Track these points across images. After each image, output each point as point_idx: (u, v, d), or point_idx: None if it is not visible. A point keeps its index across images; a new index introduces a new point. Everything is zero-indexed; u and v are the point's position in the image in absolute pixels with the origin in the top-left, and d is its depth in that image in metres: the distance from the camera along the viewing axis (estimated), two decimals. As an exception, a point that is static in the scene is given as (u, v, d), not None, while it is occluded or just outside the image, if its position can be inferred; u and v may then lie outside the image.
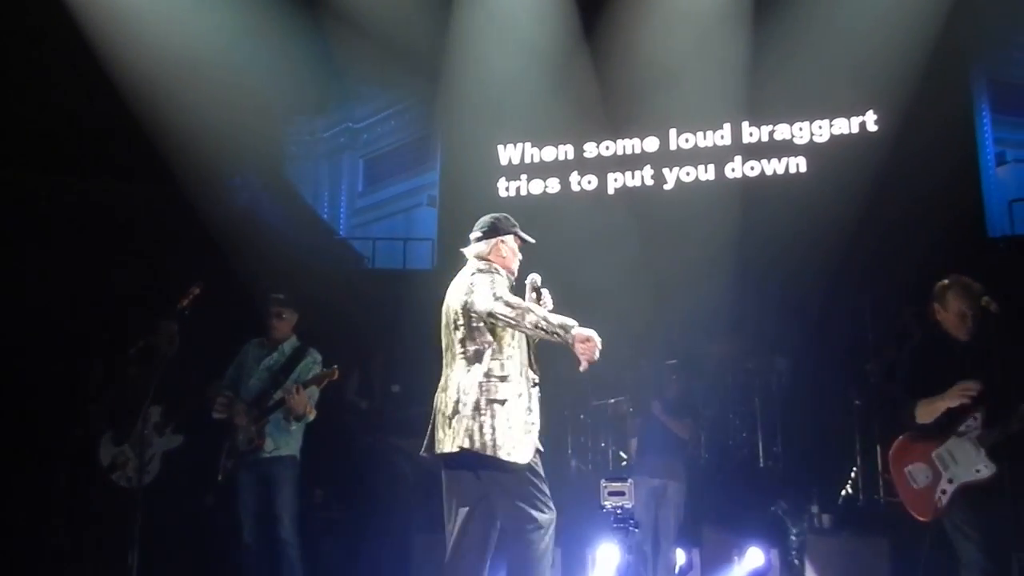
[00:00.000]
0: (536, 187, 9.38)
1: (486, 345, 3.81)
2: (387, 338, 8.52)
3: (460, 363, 3.84)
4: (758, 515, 6.75)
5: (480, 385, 3.74)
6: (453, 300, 4.01)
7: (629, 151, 9.26)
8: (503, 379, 3.77)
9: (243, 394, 5.62)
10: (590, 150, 9.34)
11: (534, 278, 4.17)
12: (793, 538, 6.94)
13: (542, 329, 3.62)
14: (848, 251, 7.85)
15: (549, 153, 9.42)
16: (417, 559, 6.68)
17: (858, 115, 8.71)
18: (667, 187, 9.10)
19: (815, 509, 6.77)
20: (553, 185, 9.37)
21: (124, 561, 4.75)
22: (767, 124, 8.94)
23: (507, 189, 9.44)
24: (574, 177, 9.35)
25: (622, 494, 3.31)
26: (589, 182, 9.30)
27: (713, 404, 7.73)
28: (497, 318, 3.72)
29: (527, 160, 9.44)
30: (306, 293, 6.37)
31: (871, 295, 7.46)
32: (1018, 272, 7.44)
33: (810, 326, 7.64)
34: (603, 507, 3.30)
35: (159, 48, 8.26)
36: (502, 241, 4.14)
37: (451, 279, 8.45)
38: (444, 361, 3.98)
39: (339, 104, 12.34)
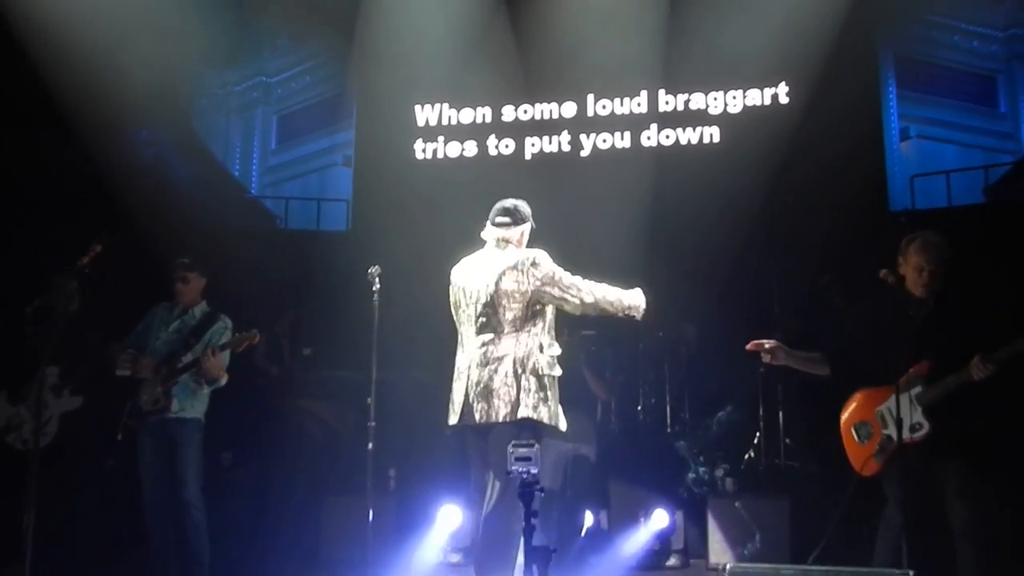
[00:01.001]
0: (453, 150, 9.29)
1: (541, 323, 4.21)
2: (298, 300, 8.39)
3: (509, 340, 4.15)
4: (665, 478, 6.91)
5: (540, 361, 4.12)
6: (489, 280, 4.22)
7: (547, 116, 9.22)
8: (557, 356, 4.22)
9: (149, 356, 5.54)
10: (508, 114, 9.27)
11: None
12: (691, 475, 7.16)
13: (622, 309, 4.34)
14: (756, 221, 8.00)
15: (467, 115, 9.31)
16: (325, 521, 6.67)
17: (771, 86, 8.82)
18: (584, 153, 9.11)
19: (720, 473, 6.95)
20: (470, 148, 9.29)
21: (19, 525, 4.60)
22: (683, 93, 8.99)
23: (424, 151, 9.33)
24: (491, 141, 9.27)
25: (528, 459, 3.35)
26: (507, 146, 9.25)
27: (624, 371, 7.84)
28: (602, 308, 4.26)
29: (444, 122, 9.33)
30: (215, 253, 6.23)
31: (777, 265, 7.63)
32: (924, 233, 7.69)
33: (718, 294, 7.78)
34: (509, 471, 3.33)
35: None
36: (526, 227, 4.46)
37: (365, 240, 8.48)
38: (468, 337, 4.26)
39: (252, 56, 12.03)
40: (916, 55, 10.88)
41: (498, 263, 4.26)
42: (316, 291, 8.46)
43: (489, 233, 4.40)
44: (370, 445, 4.94)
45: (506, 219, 4.39)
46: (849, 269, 7.23)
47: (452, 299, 4.42)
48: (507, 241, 4.35)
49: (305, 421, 7.72)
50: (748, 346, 4.65)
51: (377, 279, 4.99)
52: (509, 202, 4.47)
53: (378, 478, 5.87)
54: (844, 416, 4.70)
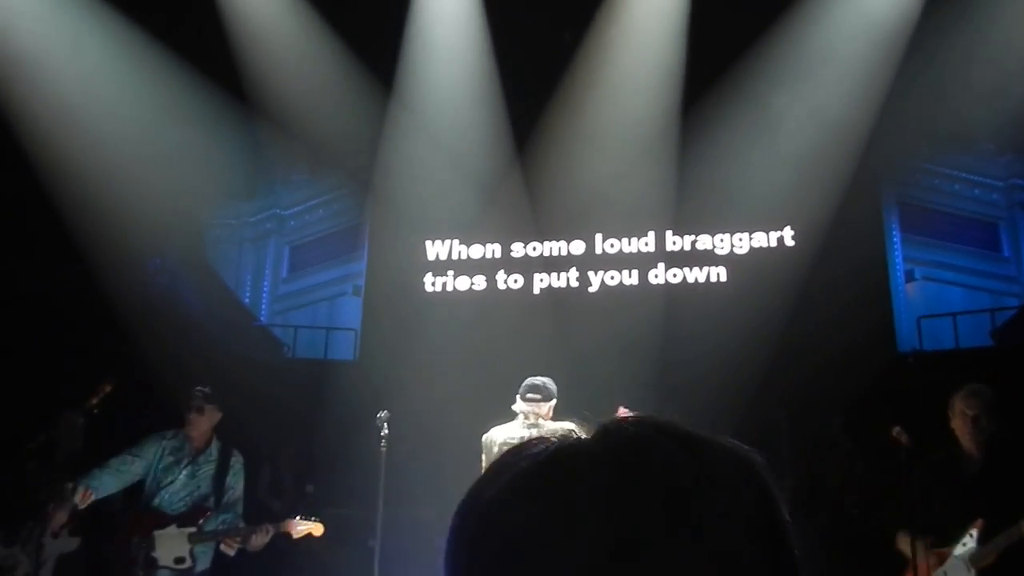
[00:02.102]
0: (462, 283, 9.40)
1: None
2: (304, 432, 8.31)
3: None
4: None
5: None
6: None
7: (556, 253, 9.36)
8: None
9: (159, 500, 5.18)
10: (517, 250, 9.42)
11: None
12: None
13: None
14: (765, 362, 7.99)
15: (476, 251, 9.47)
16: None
17: (776, 230, 8.97)
18: (591, 289, 9.20)
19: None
20: (479, 282, 9.40)
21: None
22: (690, 234, 9.15)
23: (433, 284, 9.43)
24: (500, 275, 9.39)
25: None
26: (515, 281, 9.35)
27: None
28: None
29: (454, 256, 9.48)
30: (221, 381, 6.18)
31: (787, 408, 7.57)
32: (926, 386, 7.67)
33: (727, 436, 7.68)
34: None
35: (83, 126, 8.15)
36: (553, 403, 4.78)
37: (372, 371, 8.46)
38: None
39: (268, 190, 12.29)
40: (919, 201, 11.13)
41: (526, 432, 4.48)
42: (322, 423, 8.39)
43: (520, 407, 4.68)
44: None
45: (536, 396, 4.70)
46: (860, 410, 7.19)
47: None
48: (538, 415, 4.62)
49: (305, 563, 7.49)
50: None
51: (386, 424, 4.93)
52: (539, 380, 4.76)
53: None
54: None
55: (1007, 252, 11.86)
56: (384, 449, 4.91)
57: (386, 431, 4.93)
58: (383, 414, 4.97)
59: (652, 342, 8.30)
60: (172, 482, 5.22)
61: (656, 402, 7.50)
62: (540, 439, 0.68)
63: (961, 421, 4.38)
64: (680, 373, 7.99)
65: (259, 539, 5.09)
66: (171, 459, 5.28)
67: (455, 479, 4.49)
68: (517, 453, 0.67)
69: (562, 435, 0.67)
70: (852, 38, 8.66)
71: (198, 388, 5.43)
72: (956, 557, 4.23)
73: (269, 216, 12.63)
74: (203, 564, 5.17)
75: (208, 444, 5.39)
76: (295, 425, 8.31)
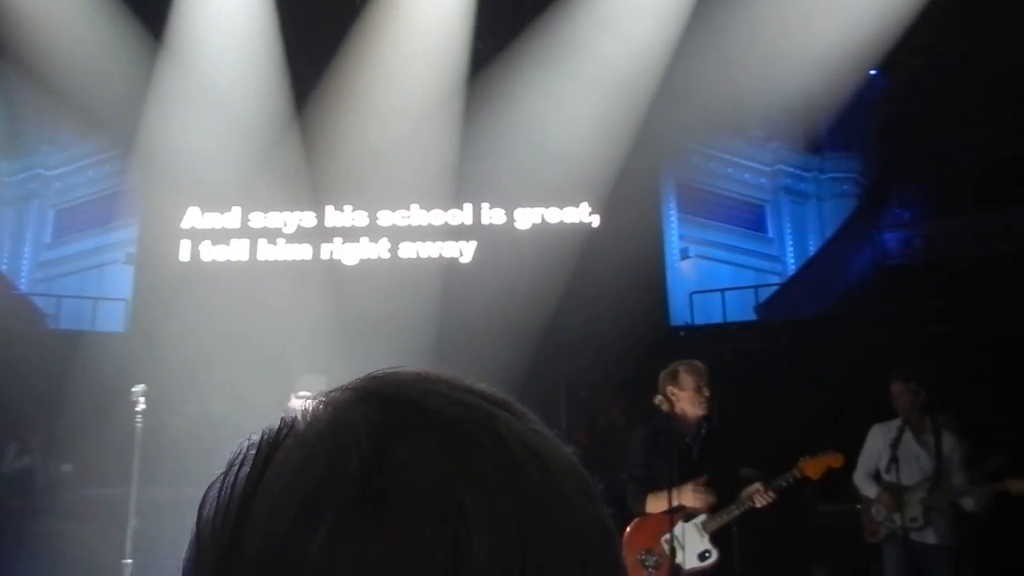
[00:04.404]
0: (237, 253, 9.06)
1: None
2: (62, 408, 7.73)
3: None
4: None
5: None
6: None
7: (335, 223, 9.17)
8: None
9: None
10: (295, 219, 9.14)
11: None
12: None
13: None
14: (544, 335, 8.18)
15: (253, 219, 9.13)
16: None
17: (561, 206, 9.17)
18: (371, 259, 9.08)
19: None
20: (255, 251, 9.08)
21: None
22: (471, 206, 9.19)
23: (205, 253, 9.04)
24: (279, 245, 9.10)
25: None
26: (295, 250, 9.10)
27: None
28: None
29: (228, 225, 9.10)
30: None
31: (564, 379, 7.79)
32: (695, 358, 8.11)
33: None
34: None
35: None
36: None
37: (143, 343, 8.01)
38: None
39: (30, 149, 11.35)
40: (696, 183, 11.74)
41: None
42: (85, 397, 7.84)
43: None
44: (125, 578, 4.50)
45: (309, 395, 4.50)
46: (632, 382, 7.49)
47: None
48: None
49: (63, 547, 7.00)
50: None
51: (142, 399, 4.61)
52: (314, 376, 4.55)
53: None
54: (627, 545, 4.69)
55: (771, 233, 12.75)
56: (140, 425, 4.60)
57: (142, 406, 4.61)
58: (139, 388, 4.65)
59: (430, 314, 8.30)
60: None
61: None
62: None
63: (694, 392, 4.59)
64: (457, 346, 8.01)
65: None
66: None
67: (221, 456, 4.30)
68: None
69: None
70: (636, 11, 8.95)
71: None
72: (688, 522, 4.47)
73: (31, 176, 11.67)
74: None
75: None
76: (53, 400, 7.72)
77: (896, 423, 5.31)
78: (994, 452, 5.63)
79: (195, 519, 0.49)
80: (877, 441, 5.41)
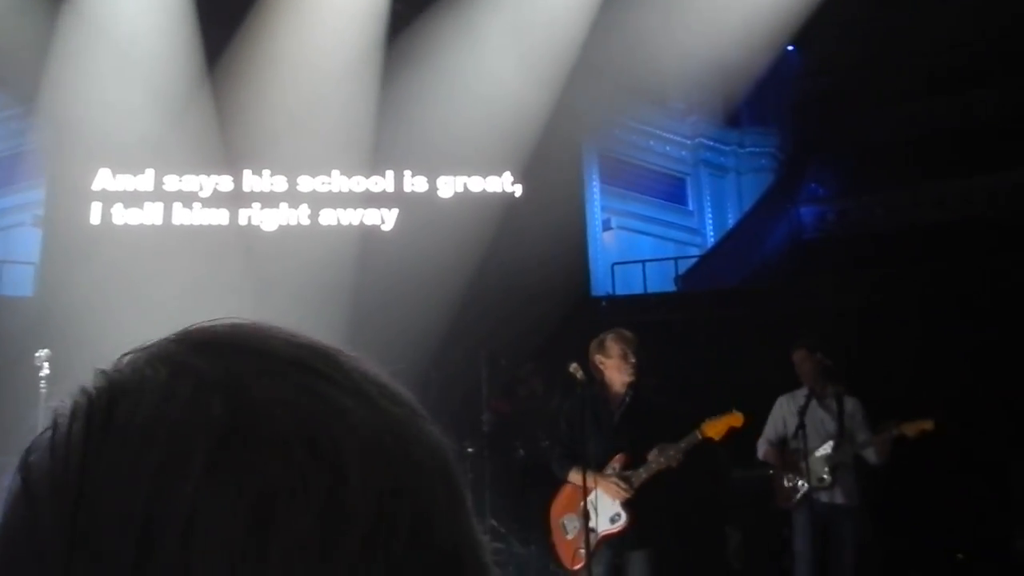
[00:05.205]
0: (147, 215, 8.80)
1: None
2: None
3: None
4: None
5: None
6: None
7: (248, 187, 8.95)
8: None
9: None
10: (209, 181, 8.88)
11: None
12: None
13: None
14: (467, 303, 8.16)
15: (164, 181, 8.84)
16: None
17: (482, 175, 9.12)
18: (285, 225, 8.91)
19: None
20: (167, 214, 8.83)
21: None
22: (388, 172, 9.07)
23: (114, 215, 8.75)
24: (191, 207, 8.87)
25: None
26: (206, 214, 8.88)
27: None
28: None
29: (138, 187, 8.81)
30: None
31: (485, 348, 7.77)
32: (616, 328, 8.20)
33: (423, 377, 7.78)
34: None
35: None
36: None
37: (50, 308, 7.74)
38: None
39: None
40: (618, 154, 11.81)
41: None
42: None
43: None
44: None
45: None
46: (552, 352, 7.52)
47: None
48: None
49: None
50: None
51: (46, 364, 4.47)
52: None
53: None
54: (553, 510, 4.78)
55: (691, 206, 12.93)
56: (44, 391, 4.46)
57: (46, 371, 4.47)
58: (42, 353, 4.51)
59: (350, 282, 8.21)
60: None
61: (348, 341, 7.39)
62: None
63: (620, 359, 4.65)
64: (376, 314, 7.93)
65: None
66: None
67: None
68: None
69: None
70: None
71: None
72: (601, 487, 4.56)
73: (-72, 132, 11.14)
74: None
75: None
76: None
77: (802, 392, 5.49)
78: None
79: (17, 477, 0.45)
80: (782, 410, 5.60)
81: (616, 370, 4.67)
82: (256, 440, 0.43)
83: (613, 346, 4.69)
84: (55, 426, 0.46)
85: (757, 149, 13.32)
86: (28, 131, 9.74)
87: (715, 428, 4.54)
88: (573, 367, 4.55)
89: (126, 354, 0.49)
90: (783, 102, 13.02)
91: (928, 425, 5.10)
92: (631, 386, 4.66)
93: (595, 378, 4.69)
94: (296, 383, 0.46)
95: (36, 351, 4.73)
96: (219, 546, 0.41)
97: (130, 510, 0.41)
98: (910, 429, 5.14)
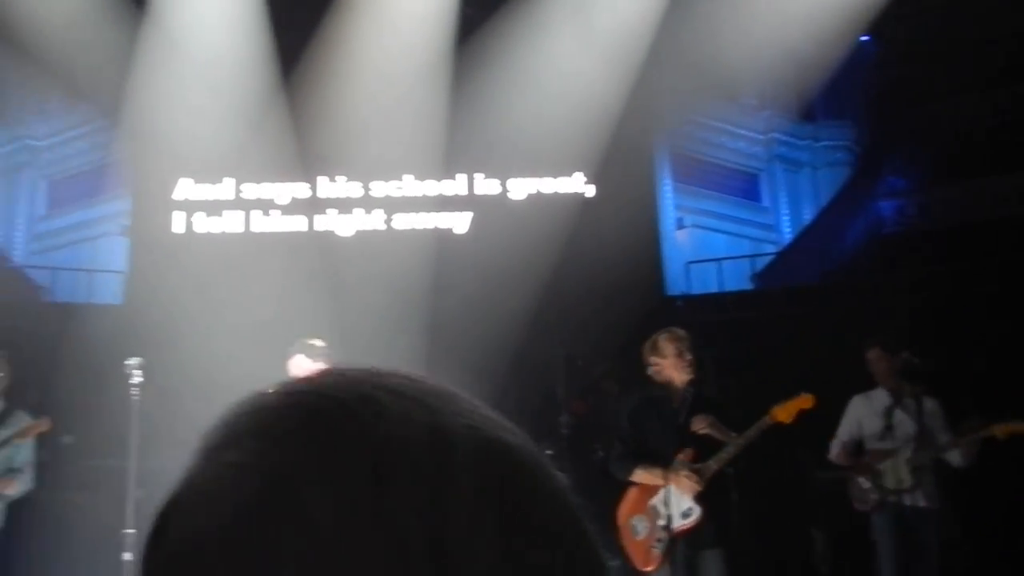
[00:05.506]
0: (229, 224, 9.01)
1: None
2: (62, 380, 7.73)
3: None
4: None
5: None
6: None
7: (325, 194, 9.10)
8: None
9: None
10: (286, 189, 9.06)
11: None
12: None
13: None
14: (541, 305, 8.18)
15: (244, 190, 9.05)
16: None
17: (554, 176, 9.12)
18: (363, 231, 9.03)
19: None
20: (248, 222, 9.03)
21: None
22: (471, 177, 9.13)
23: (197, 224, 9.00)
24: (271, 216, 9.05)
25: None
26: (286, 222, 9.05)
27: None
28: None
29: (220, 196, 9.04)
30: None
31: (563, 350, 7.78)
32: (692, 328, 8.14)
33: (502, 379, 7.83)
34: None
35: None
36: None
37: (139, 315, 8.00)
38: None
39: (17, 118, 11.25)
40: (690, 152, 11.72)
41: None
42: (84, 370, 7.83)
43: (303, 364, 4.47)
44: (127, 555, 4.51)
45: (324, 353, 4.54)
46: (629, 352, 7.50)
47: None
48: None
49: (64, 515, 7.03)
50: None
51: (138, 372, 4.61)
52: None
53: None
54: (620, 513, 4.78)
55: (766, 202, 12.75)
56: (136, 398, 4.61)
57: (138, 379, 4.62)
58: (133, 361, 4.65)
59: (426, 285, 8.28)
60: None
61: (427, 350, 7.49)
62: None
63: (676, 358, 4.63)
64: (454, 318, 8.00)
65: None
66: None
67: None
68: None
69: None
70: None
71: None
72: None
73: (21, 147, 11.61)
74: None
75: None
76: (49, 372, 7.71)
77: (879, 392, 5.36)
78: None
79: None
80: (858, 411, 5.45)
81: (673, 369, 4.66)
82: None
83: (667, 346, 4.68)
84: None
85: (832, 143, 13.07)
86: (113, 143, 10.08)
87: (785, 411, 4.49)
88: (651, 371, 4.57)
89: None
90: (858, 94, 12.76)
91: (1021, 427, 4.94)
92: (691, 383, 4.65)
93: (654, 379, 4.70)
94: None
95: (126, 358, 4.88)
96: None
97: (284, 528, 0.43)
98: (1001, 431, 4.98)
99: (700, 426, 4.48)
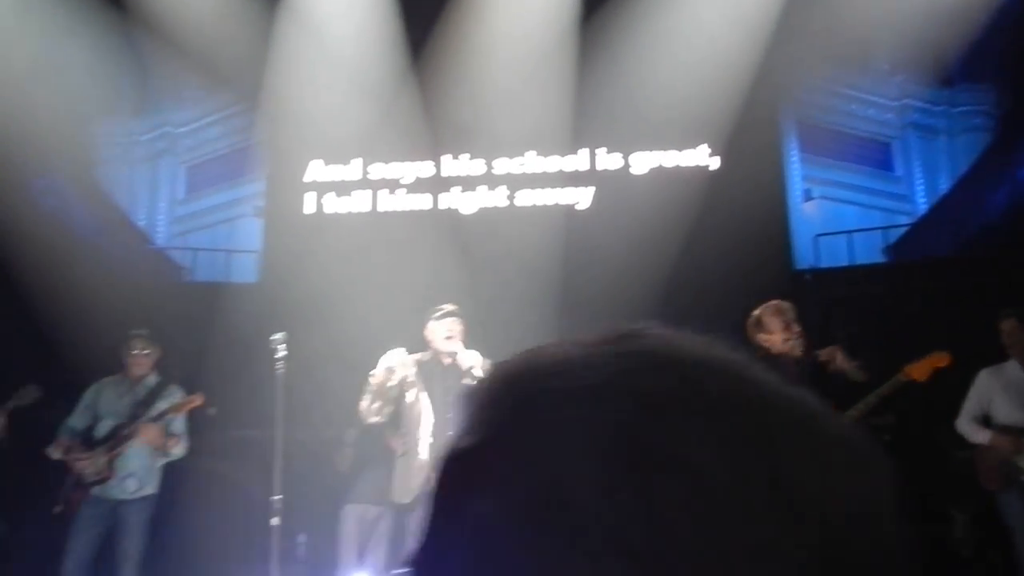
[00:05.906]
0: (360, 203, 9.25)
1: None
2: (205, 354, 8.12)
3: None
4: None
5: None
6: None
7: (454, 172, 9.23)
8: None
9: (97, 433, 5.28)
10: (416, 168, 9.25)
11: None
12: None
13: None
14: (668, 280, 8.10)
15: (375, 170, 9.28)
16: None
17: (679, 149, 9.00)
18: (493, 207, 9.12)
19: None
20: (379, 202, 9.25)
21: None
22: (593, 152, 9.11)
23: (330, 204, 9.27)
24: (400, 194, 9.24)
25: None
26: (416, 200, 9.23)
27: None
28: None
29: (352, 176, 9.29)
30: (116, 306, 6.02)
31: (690, 324, 7.69)
32: (822, 302, 7.93)
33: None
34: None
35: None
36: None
37: (275, 293, 8.32)
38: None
39: (158, 106, 11.80)
40: (817, 121, 11.35)
41: None
42: (225, 345, 8.22)
43: (437, 331, 4.57)
44: (275, 520, 4.72)
45: (456, 317, 4.61)
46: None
47: None
48: (454, 338, 4.53)
49: (209, 483, 7.41)
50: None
51: (282, 347, 4.82)
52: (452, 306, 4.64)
53: (287, 544, 5.66)
54: None
55: (899, 172, 12.26)
56: (281, 372, 4.81)
57: (283, 353, 4.82)
58: (278, 336, 4.85)
59: (552, 261, 8.31)
60: (107, 413, 5.34)
61: (558, 326, 7.54)
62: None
63: (782, 332, 4.48)
64: (580, 293, 8.02)
65: (146, 433, 5.22)
66: (112, 397, 5.39)
67: (355, 398, 4.49)
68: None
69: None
70: None
71: (134, 331, 5.51)
72: None
73: (161, 135, 12.18)
74: (148, 486, 5.34)
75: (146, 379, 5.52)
76: (192, 348, 8.11)
77: (1011, 365, 5.12)
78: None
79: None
80: (985, 384, 5.21)
81: (783, 343, 4.50)
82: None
83: (772, 320, 4.51)
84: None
85: (971, 108, 12.44)
86: (248, 128, 10.48)
87: (919, 369, 4.32)
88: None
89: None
90: (1000, 55, 12.08)
91: None
92: (806, 353, 4.50)
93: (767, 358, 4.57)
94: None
95: (265, 334, 5.09)
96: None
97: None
98: None
99: (831, 357, 4.36)
